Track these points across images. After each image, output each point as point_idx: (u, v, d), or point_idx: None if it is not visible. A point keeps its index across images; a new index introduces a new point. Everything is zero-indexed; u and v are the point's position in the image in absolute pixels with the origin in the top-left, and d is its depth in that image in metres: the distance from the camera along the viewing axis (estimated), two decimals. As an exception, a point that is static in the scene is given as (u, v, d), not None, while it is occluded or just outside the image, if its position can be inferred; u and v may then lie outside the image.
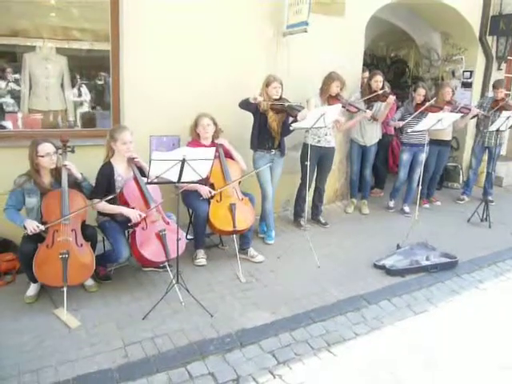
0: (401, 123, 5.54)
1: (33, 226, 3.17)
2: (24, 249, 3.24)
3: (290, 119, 4.50)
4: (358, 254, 4.49)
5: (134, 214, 3.50)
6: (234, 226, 4.00)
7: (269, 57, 5.06)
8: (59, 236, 3.25)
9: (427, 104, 5.28)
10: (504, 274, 4.29)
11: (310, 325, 3.26)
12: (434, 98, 5.50)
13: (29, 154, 3.36)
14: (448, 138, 6.19)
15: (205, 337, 3.03)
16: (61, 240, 3.24)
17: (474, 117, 6.08)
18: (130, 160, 3.73)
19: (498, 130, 5.38)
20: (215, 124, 4.24)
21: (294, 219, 5.34)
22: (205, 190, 4.03)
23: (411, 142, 5.69)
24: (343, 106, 4.75)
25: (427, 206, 6.29)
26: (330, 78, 4.84)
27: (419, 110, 5.31)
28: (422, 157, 5.44)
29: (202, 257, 4.15)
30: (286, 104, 4.34)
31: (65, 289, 3.19)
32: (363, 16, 5.73)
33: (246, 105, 4.40)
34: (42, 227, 3.20)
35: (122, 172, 3.71)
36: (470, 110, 5.76)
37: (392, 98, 5.18)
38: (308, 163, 4.49)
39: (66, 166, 3.44)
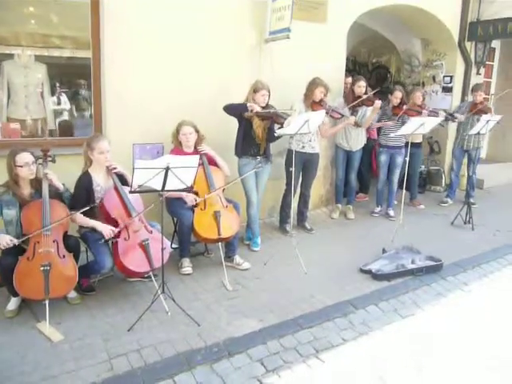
0: (388, 123, 5.69)
1: (5, 241, 3.06)
2: (4, 262, 3.13)
3: (276, 126, 4.49)
4: (344, 260, 4.49)
5: (106, 230, 3.43)
6: (219, 234, 3.96)
7: (253, 63, 5.07)
8: (40, 247, 3.16)
9: (405, 107, 5.54)
10: (488, 276, 4.33)
11: (298, 331, 3.23)
12: (410, 102, 5.70)
13: (7, 164, 3.27)
14: (418, 140, 6.33)
15: (192, 347, 2.98)
16: (42, 251, 3.15)
17: (453, 120, 6.21)
18: (109, 169, 3.66)
19: (478, 134, 5.48)
20: (197, 131, 4.22)
21: (280, 225, 5.32)
22: (190, 198, 4.00)
23: (388, 144, 5.88)
24: (327, 112, 4.76)
25: (422, 206, 6.43)
26: (313, 84, 4.86)
27: (399, 115, 5.54)
28: (400, 159, 5.78)
29: (187, 265, 4.10)
30: (272, 111, 4.33)
31: (47, 302, 3.11)
32: (345, 22, 5.79)
33: (233, 109, 4.34)
34: (15, 241, 3.08)
35: (101, 182, 3.65)
36: (437, 113, 5.81)
37: (379, 103, 5.25)
38: (293, 169, 4.49)
39: (46, 174, 3.37)
